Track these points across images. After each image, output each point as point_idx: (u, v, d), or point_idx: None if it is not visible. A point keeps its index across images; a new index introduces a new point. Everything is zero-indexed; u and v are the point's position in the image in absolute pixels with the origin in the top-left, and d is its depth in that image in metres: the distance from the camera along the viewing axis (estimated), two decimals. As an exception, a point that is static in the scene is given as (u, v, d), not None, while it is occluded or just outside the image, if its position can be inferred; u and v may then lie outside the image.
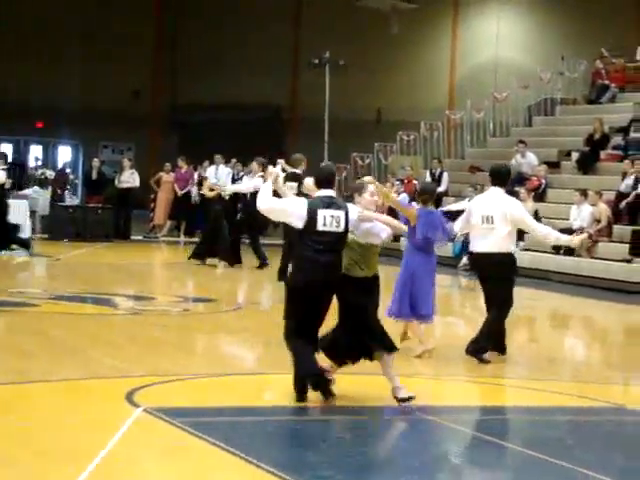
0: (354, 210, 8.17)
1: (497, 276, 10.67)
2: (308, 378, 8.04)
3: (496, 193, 10.76)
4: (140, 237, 25.98)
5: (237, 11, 35.09)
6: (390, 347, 8.21)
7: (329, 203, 8.07)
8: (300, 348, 8.12)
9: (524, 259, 20.49)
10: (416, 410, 8.09)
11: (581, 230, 18.53)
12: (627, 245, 19.06)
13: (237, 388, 9.18)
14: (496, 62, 31.02)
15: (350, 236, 8.21)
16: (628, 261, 18.81)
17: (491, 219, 10.59)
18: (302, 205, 8.12)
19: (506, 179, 11.17)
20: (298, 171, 16.56)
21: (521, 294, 18.39)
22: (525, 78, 27.34)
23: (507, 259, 10.72)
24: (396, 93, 33.06)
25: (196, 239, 25.51)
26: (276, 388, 9.23)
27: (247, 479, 6.32)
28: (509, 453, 7.31)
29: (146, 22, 36.08)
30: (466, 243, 19.31)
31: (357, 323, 8.14)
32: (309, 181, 16.33)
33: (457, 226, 11.07)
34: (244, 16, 35.00)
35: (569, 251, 20.04)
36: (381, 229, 8.25)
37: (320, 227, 8.03)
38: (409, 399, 8.06)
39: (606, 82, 25.82)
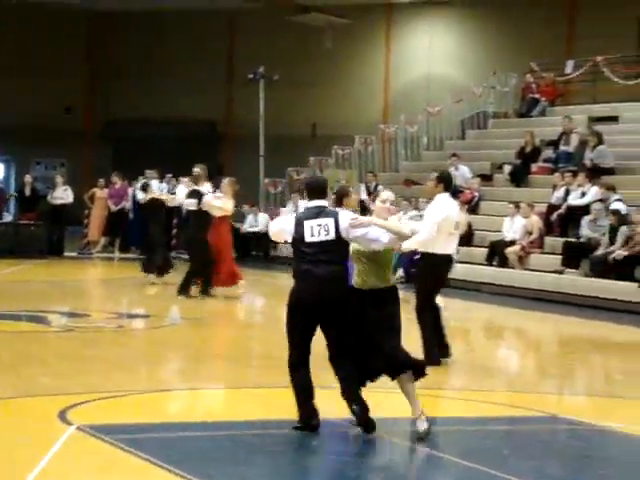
0: (346, 216, 7.81)
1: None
2: (308, 427, 7.75)
3: (450, 198, 11.02)
4: (74, 254, 25.72)
5: (172, 27, 35.00)
6: (393, 373, 7.86)
7: (317, 212, 7.79)
8: (300, 390, 7.77)
9: (457, 271, 20.67)
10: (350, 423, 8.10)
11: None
12: (559, 256, 19.30)
13: (171, 404, 9.12)
14: (429, 77, 31.25)
15: (355, 246, 7.92)
16: (560, 272, 19.04)
17: (459, 224, 11.16)
18: (290, 219, 7.95)
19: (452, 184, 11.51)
20: (199, 188, 16.67)
21: (455, 305, 18.61)
22: (458, 92, 27.60)
23: None
24: (331, 107, 33.17)
25: (131, 255, 25.37)
26: (209, 403, 9.19)
27: (182, 495, 6.29)
28: (446, 464, 7.35)
29: (79, 38, 35.83)
30: (402, 256, 19.43)
31: (365, 339, 7.79)
32: (209, 198, 16.57)
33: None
34: (179, 32, 34.92)
35: (502, 262, 20.25)
36: (381, 234, 7.77)
37: (308, 238, 7.73)
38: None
39: (536, 96, 26.17)
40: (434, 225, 10.69)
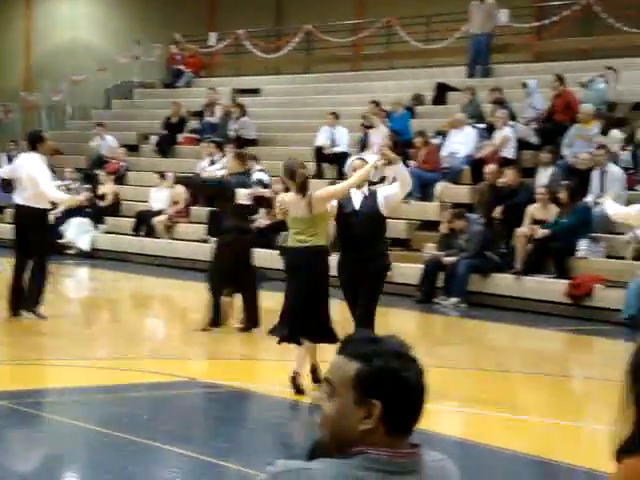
0: None
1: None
2: None
3: (32, 156, 11.95)
4: None
5: None
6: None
7: None
8: None
9: (104, 241, 20.53)
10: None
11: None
12: (204, 225, 19.63)
13: None
14: (74, 44, 30.61)
15: None
16: (205, 241, 19.38)
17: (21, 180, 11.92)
18: None
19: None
20: None
21: (102, 276, 18.49)
22: (103, 61, 27.28)
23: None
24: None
25: None
26: None
27: None
28: (83, 432, 7.32)
29: None
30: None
31: None
32: None
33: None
34: None
35: (149, 232, 20.33)
36: None
37: None
38: None
39: (181, 67, 26.39)
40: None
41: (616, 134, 16.23)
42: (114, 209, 21.25)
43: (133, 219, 20.71)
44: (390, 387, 2.25)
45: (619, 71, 17.76)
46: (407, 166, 17.43)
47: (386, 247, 9.05)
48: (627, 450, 2.31)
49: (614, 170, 15.20)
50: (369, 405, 2.24)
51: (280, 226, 18.12)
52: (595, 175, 15.30)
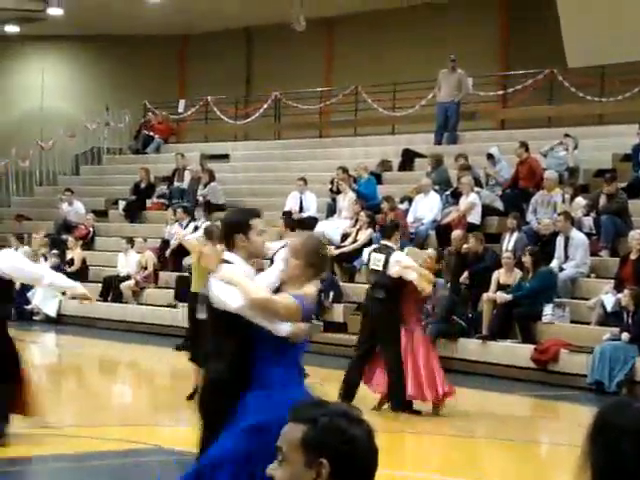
0: None
1: None
2: None
3: None
4: None
5: None
6: None
7: None
8: None
9: (71, 306, 20.43)
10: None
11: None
12: (172, 290, 19.63)
13: None
14: (43, 111, 30.72)
15: None
16: (173, 306, 19.36)
17: None
18: None
19: None
20: None
21: (71, 342, 18.39)
22: (72, 127, 27.39)
23: None
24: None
25: None
26: None
27: None
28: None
29: None
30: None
31: None
32: None
33: None
34: None
35: (117, 298, 20.30)
36: None
37: None
38: None
39: (151, 133, 26.56)
40: None
41: (580, 201, 16.46)
42: (82, 274, 21.20)
43: (100, 284, 20.68)
44: (336, 444, 2.23)
45: (578, 139, 18.07)
46: (374, 231, 17.50)
47: None
48: None
49: (577, 236, 15.41)
50: (318, 465, 2.23)
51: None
52: (559, 241, 15.50)
